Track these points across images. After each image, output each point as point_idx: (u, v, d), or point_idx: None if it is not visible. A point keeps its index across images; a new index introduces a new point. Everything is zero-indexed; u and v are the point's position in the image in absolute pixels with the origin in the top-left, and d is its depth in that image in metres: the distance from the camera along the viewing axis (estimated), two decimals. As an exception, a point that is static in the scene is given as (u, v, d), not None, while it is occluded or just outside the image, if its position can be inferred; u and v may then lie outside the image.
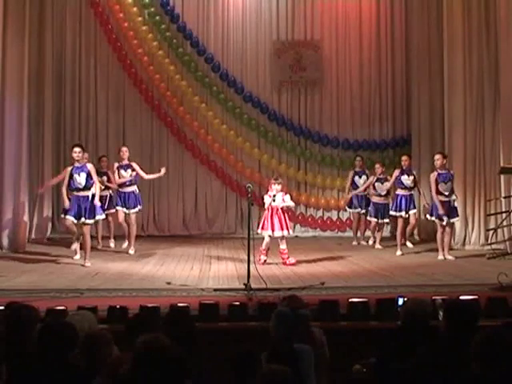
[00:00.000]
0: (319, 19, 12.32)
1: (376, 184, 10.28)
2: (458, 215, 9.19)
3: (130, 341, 3.02)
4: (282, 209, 8.58)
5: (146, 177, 9.98)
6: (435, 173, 8.97)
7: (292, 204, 8.86)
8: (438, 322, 4.15)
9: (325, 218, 12.22)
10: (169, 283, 7.08)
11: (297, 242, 10.72)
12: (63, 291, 6.62)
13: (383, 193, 10.22)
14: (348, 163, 11.75)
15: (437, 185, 8.87)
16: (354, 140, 12.17)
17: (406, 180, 9.69)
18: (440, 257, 9.02)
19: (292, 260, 8.58)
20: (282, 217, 8.58)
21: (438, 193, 8.89)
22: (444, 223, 8.92)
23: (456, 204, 9.14)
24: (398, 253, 9.49)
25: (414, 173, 9.95)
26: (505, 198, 9.57)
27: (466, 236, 10.14)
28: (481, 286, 6.73)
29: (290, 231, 8.74)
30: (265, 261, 8.58)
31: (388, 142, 12.20)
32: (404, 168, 9.77)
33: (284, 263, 8.53)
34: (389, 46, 12.30)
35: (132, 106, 12.10)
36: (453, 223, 9.19)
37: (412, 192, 9.80)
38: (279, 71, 12.31)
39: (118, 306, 5.55)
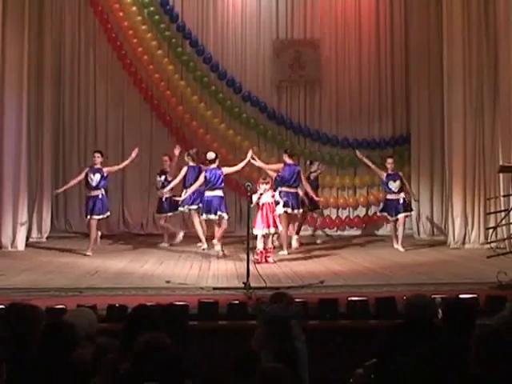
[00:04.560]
0: (319, 18, 12.28)
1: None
2: (408, 210, 9.89)
3: (130, 339, 3.01)
4: (269, 206, 8.60)
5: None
6: (384, 173, 9.90)
7: (281, 201, 8.82)
8: (437, 320, 4.14)
9: (324, 217, 12.17)
10: (168, 282, 7.08)
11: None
12: (62, 290, 6.63)
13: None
14: (347, 161, 11.74)
15: (387, 183, 9.82)
16: (353, 138, 12.14)
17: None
18: (395, 246, 9.79)
19: (272, 259, 8.62)
20: (271, 214, 8.60)
21: (389, 190, 9.79)
22: (393, 218, 9.77)
23: (406, 200, 9.88)
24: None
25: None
26: (504, 196, 9.56)
27: (465, 235, 10.12)
28: (480, 285, 6.73)
29: (280, 227, 8.75)
30: (258, 260, 8.43)
31: (387, 140, 12.16)
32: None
33: (266, 261, 8.53)
34: (388, 45, 12.27)
35: (131, 105, 12.08)
36: (404, 217, 9.87)
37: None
38: (278, 70, 12.29)
39: (117, 305, 5.56)
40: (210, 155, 9.33)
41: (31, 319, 3.48)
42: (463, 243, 10.08)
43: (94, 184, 9.35)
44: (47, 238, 11.02)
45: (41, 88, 11.03)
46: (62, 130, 11.90)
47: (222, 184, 9.19)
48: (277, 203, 8.74)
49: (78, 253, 9.30)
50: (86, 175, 9.42)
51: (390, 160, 10.00)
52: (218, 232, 9.10)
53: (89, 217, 9.35)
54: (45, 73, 11.08)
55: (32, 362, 3.12)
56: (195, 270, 8.13)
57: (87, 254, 9.20)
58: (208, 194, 9.09)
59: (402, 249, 9.66)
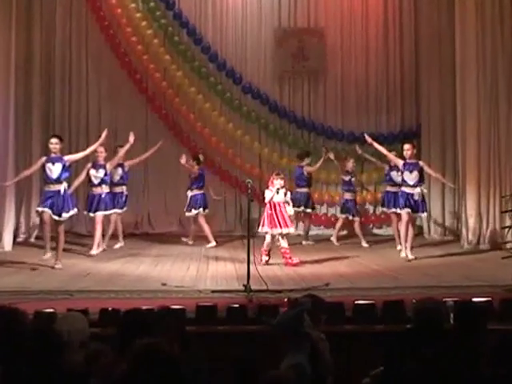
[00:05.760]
0: (323, 5, 12.27)
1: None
2: (423, 210, 9.08)
3: (124, 344, 3.02)
4: (282, 205, 8.58)
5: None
6: (401, 162, 9.11)
7: (291, 203, 8.80)
8: (449, 325, 4.14)
9: (329, 215, 12.18)
10: (164, 284, 7.09)
11: (299, 240, 10.71)
12: (52, 293, 6.64)
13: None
14: (354, 157, 11.69)
15: (402, 173, 9.08)
16: (359, 133, 12.11)
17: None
18: (403, 254, 9.00)
19: (295, 260, 8.55)
20: (284, 213, 8.57)
21: (403, 182, 9.06)
22: (407, 210, 8.92)
23: (423, 197, 9.13)
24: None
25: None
26: (520, 194, 9.57)
27: (479, 234, 10.11)
28: (494, 288, 6.73)
29: (292, 228, 8.70)
30: (266, 261, 8.56)
31: (396, 134, 12.14)
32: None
33: (286, 263, 8.50)
34: (397, 32, 12.24)
35: (125, 97, 12.07)
36: (410, 216, 8.99)
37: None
38: (281, 60, 12.28)
39: (110, 309, 5.56)
40: (202, 157, 10.73)
41: (18, 324, 3.48)
42: (477, 243, 10.06)
43: (54, 176, 8.21)
44: (36, 237, 11.02)
45: (29, 81, 11.02)
46: (52, 126, 11.87)
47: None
48: (287, 203, 8.72)
49: (70, 253, 9.30)
50: (44, 166, 8.31)
51: (406, 146, 9.12)
52: (208, 228, 10.34)
53: (57, 217, 8.24)
54: (34, 64, 11.08)
55: (22, 368, 3.13)
56: (193, 271, 8.14)
57: (56, 266, 8.20)
58: (196, 192, 10.34)
59: (410, 255, 8.86)
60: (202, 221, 10.35)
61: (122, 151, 9.71)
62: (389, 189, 10.24)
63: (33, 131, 11.15)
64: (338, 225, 10.80)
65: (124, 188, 10.16)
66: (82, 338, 3.57)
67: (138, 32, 11.93)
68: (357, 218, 10.62)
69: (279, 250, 8.63)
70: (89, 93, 12.04)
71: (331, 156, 10.94)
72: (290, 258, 8.54)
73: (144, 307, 5.38)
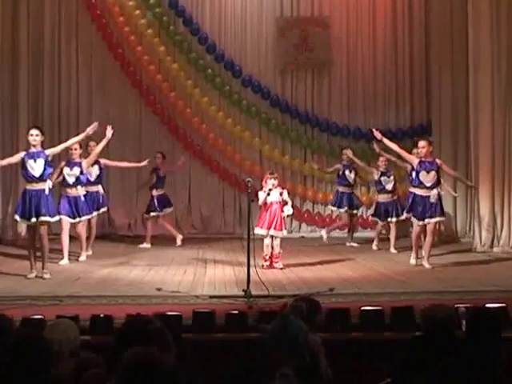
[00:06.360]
0: (328, -7, 12.31)
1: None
2: (440, 214, 8.61)
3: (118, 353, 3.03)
4: (278, 206, 8.60)
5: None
6: (416, 160, 8.64)
7: (290, 202, 8.83)
8: (461, 333, 4.15)
9: (334, 216, 12.18)
10: (159, 289, 7.09)
11: (303, 242, 10.76)
12: (40, 298, 6.63)
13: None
14: (360, 154, 11.73)
15: (417, 174, 8.57)
16: (366, 129, 12.13)
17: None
18: (412, 260, 8.81)
19: (280, 265, 8.61)
20: (278, 214, 8.60)
21: (418, 183, 8.59)
22: (421, 223, 8.59)
23: (441, 200, 8.72)
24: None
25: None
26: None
27: (494, 237, 10.12)
28: (509, 293, 6.73)
29: (279, 232, 8.66)
30: (267, 266, 8.61)
31: (405, 130, 12.17)
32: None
33: (272, 267, 8.56)
34: (406, 22, 12.27)
35: (118, 91, 12.09)
36: (436, 223, 8.78)
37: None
38: (283, 52, 12.30)
39: (101, 315, 5.59)
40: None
41: (4, 331, 3.49)
42: (491, 246, 10.07)
43: (37, 174, 7.75)
44: (23, 239, 11.02)
45: (16, 73, 11.06)
46: (41, 120, 11.86)
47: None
48: (285, 203, 8.73)
49: (59, 257, 9.31)
50: (23, 162, 7.79)
51: (421, 143, 8.61)
52: (171, 226, 10.79)
53: (35, 219, 7.72)
54: (20, 54, 11.11)
55: (7, 378, 3.14)
56: (189, 276, 8.15)
57: (44, 276, 7.85)
58: (160, 192, 10.56)
59: (428, 265, 8.55)
60: (150, 223, 10.61)
61: (98, 147, 9.24)
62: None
63: (20, 126, 11.14)
64: (381, 230, 10.61)
65: (100, 187, 9.84)
66: (72, 346, 3.58)
67: (131, 21, 11.95)
68: (382, 223, 10.40)
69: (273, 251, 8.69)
70: (79, 86, 12.05)
71: (348, 153, 10.80)
72: (278, 261, 8.60)
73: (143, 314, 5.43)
